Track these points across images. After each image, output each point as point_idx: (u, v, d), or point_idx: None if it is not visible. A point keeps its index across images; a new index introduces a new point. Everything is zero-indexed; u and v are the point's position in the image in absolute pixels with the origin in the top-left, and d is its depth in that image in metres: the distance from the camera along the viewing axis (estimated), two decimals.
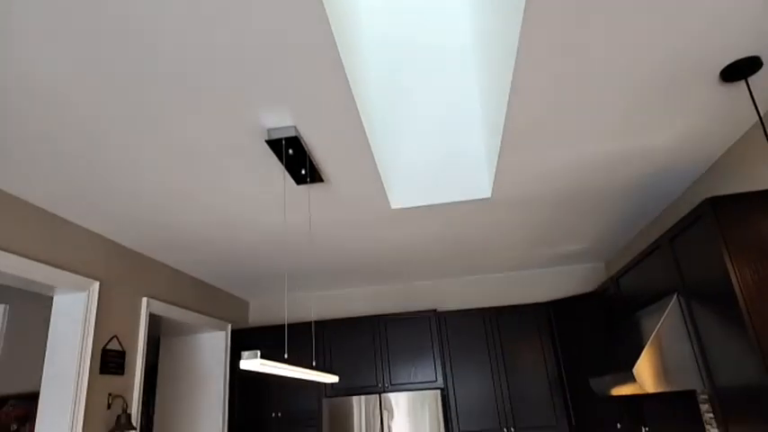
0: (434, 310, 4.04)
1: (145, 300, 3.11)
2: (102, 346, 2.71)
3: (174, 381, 4.08)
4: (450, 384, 3.92)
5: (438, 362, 3.89)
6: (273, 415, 3.92)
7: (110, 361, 2.75)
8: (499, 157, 2.24)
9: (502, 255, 3.89)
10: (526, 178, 2.48)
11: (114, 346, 2.81)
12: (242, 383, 4.05)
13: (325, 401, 3.66)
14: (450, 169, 2.67)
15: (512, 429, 3.75)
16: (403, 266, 4.01)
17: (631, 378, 2.32)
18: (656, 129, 2.08)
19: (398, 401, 3.57)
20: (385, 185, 2.47)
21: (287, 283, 4.27)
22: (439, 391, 3.59)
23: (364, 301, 4.57)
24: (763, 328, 1.74)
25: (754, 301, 1.78)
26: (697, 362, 2.21)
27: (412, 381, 3.88)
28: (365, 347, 4.01)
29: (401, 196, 2.65)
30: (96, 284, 2.70)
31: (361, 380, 3.93)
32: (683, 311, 2.30)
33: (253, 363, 1.38)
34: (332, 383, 3.94)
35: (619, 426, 3.34)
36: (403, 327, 4.03)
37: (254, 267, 3.66)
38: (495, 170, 2.41)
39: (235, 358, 4.12)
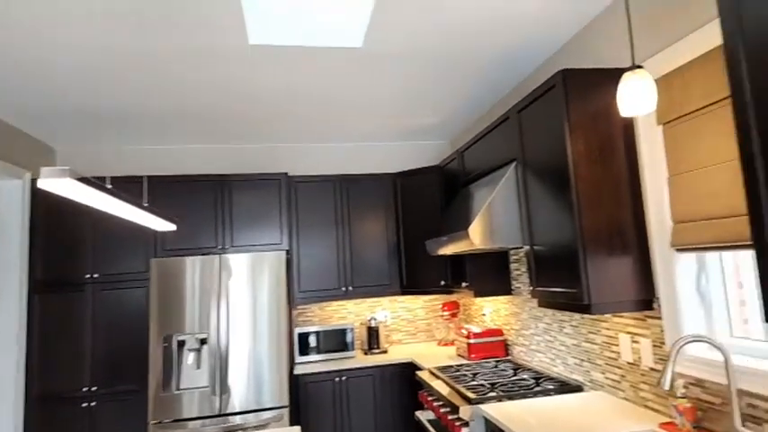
0: (286, 174, 3.89)
1: None
2: None
3: None
4: (294, 247, 3.94)
5: (285, 225, 3.84)
6: (88, 276, 3.53)
7: None
8: (376, 2, 2.04)
9: (360, 121, 3.81)
10: (398, 32, 2.34)
11: None
12: (47, 241, 3.52)
13: (154, 262, 3.39)
14: (325, 11, 2.39)
15: (350, 288, 3.98)
16: (255, 123, 3.70)
17: (465, 236, 2.53)
18: None
19: (239, 261, 3.48)
20: (246, 14, 2.11)
21: (110, 131, 3.66)
22: (284, 253, 3.58)
23: (208, 160, 4.20)
24: (584, 194, 1.98)
25: (580, 167, 1.99)
26: (522, 223, 2.48)
27: (256, 243, 3.79)
28: (206, 208, 3.74)
29: (264, 31, 2.31)
30: None
31: (200, 241, 3.71)
32: (518, 179, 2.52)
33: (59, 183, 1.03)
34: (163, 246, 3.65)
35: (443, 283, 3.76)
36: (250, 189, 3.83)
37: (61, 101, 3.01)
38: (368, 20, 2.21)
39: (37, 213, 3.52)
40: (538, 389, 2.47)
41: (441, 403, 2.75)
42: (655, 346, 1.97)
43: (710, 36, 1.62)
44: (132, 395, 3.44)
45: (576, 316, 2.57)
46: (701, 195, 1.68)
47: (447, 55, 2.66)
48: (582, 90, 2.04)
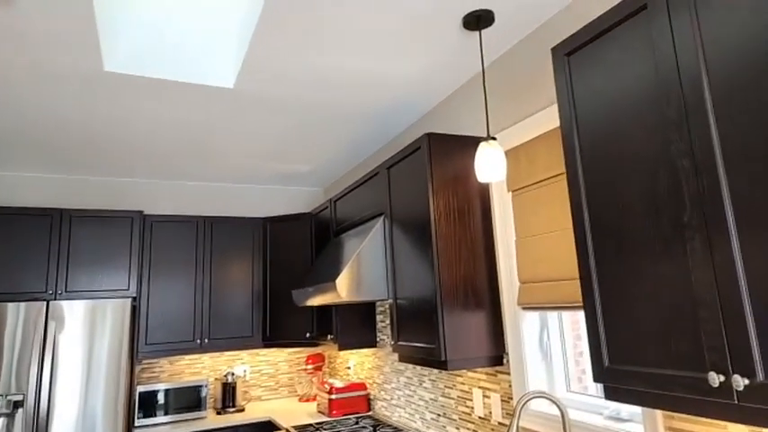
0: (140, 212, 3.53)
1: None
2: None
3: None
4: (144, 294, 3.54)
5: (134, 268, 3.44)
6: None
7: None
8: (249, 46, 2.00)
9: (230, 161, 3.65)
10: (272, 76, 2.30)
11: None
12: None
13: None
14: (195, 47, 2.27)
15: (206, 340, 3.66)
16: (109, 155, 3.33)
17: (332, 288, 2.48)
18: (403, 57, 2.18)
19: (74, 310, 3.02)
20: (102, 36, 1.92)
21: None
22: (129, 300, 3.19)
23: (46, 191, 3.66)
24: (443, 250, 2.06)
25: (441, 225, 2.09)
26: (387, 276, 2.51)
27: (96, 288, 3.33)
28: (37, 247, 3.22)
29: (125, 58, 2.11)
30: None
31: (24, 284, 3.16)
32: (384, 233, 2.56)
33: None
34: None
35: (308, 335, 3.63)
36: (96, 226, 3.39)
37: None
38: (241, 62, 2.16)
39: None
40: None
41: None
42: (503, 400, 2.06)
43: (553, 117, 1.83)
44: None
45: (435, 370, 2.62)
46: (543, 259, 1.85)
47: (321, 105, 2.68)
48: (444, 154, 2.17)
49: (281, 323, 3.79)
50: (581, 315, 1.89)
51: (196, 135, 3.04)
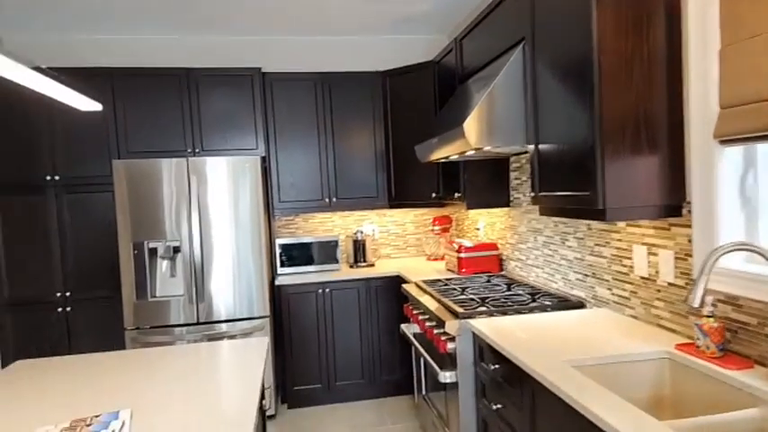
0: (259, 69, 3.44)
1: None
2: None
3: None
4: (272, 154, 3.58)
5: (260, 128, 3.45)
6: (49, 178, 3.19)
7: None
8: None
9: (341, 7, 3.30)
10: None
11: None
12: (0, 140, 3.15)
13: (118, 163, 3.04)
14: None
15: (334, 200, 3.68)
16: (223, 7, 3.19)
17: (459, 134, 2.18)
18: None
19: (212, 166, 3.14)
20: None
21: (59, 17, 3.15)
22: (259, 159, 3.23)
23: (170, 53, 3.71)
24: (608, 74, 1.60)
25: (605, 40, 1.60)
26: (527, 117, 2.12)
27: (228, 147, 3.42)
28: (171, 106, 3.33)
29: None
30: None
31: (168, 143, 3.34)
32: (525, 63, 2.11)
33: None
34: (127, 148, 3.28)
35: (434, 195, 3.45)
36: (220, 85, 3.39)
37: None
38: None
39: None
40: (534, 304, 2.24)
41: (426, 317, 2.54)
42: (678, 258, 1.69)
43: None
44: (106, 301, 3.25)
45: (582, 227, 2.28)
46: (763, 70, 1.31)
47: None
48: None
49: (406, 184, 3.65)
50: None
51: None
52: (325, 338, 3.42)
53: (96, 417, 1.28)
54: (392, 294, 3.48)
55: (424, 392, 2.81)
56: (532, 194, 2.07)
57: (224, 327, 3.15)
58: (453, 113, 2.54)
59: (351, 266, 3.72)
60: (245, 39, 3.79)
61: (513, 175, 2.94)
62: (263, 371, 1.70)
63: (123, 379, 1.64)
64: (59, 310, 3.21)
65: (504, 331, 1.90)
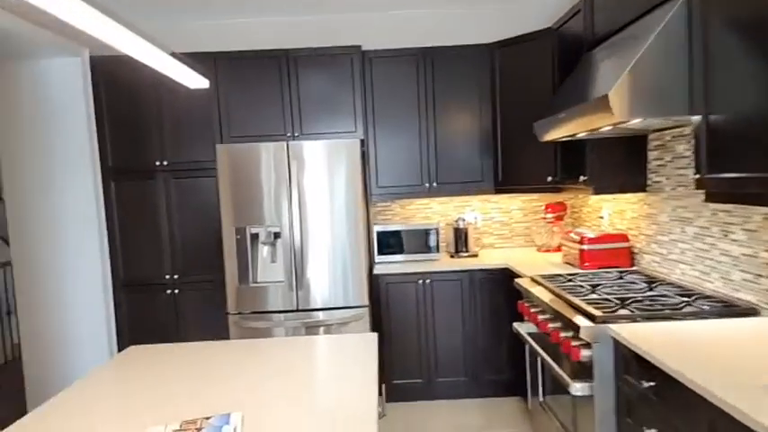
0: (359, 47, 3.27)
1: None
2: None
3: (16, 125, 3.20)
4: (371, 137, 3.41)
5: (359, 110, 3.29)
6: (158, 164, 3.27)
7: None
8: None
9: None
10: None
11: None
12: (113, 126, 3.26)
13: (221, 148, 3.03)
14: None
15: (434, 184, 3.45)
16: None
17: (601, 105, 1.84)
18: None
19: (311, 150, 3.03)
20: None
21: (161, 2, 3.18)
22: (358, 141, 3.07)
23: (269, 35, 3.65)
24: None
25: None
26: (692, 82, 1.73)
27: (326, 130, 3.30)
28: (271, 88, 3.27)
29: None
30: None
31: (267, 126, 3.29)
32: (690, 18, 1.72)
33: None
34: (230, 132, 3.27)
35: (550, 178, 3.10)
36: (319, 66, 3.27)
37: None
38: None
39: (98, 95, 3.23)
40: (689, 309, 1.86)
41: (548, 317, 2.24)
42: None
43: None
44: (210, 285, 3.29)
45: (757, 217, 1.86)
46: None
47: None
48: None
49: (516, 166, 3.32)
50: None
51: None
52: (425, 332, 3.23)
53: (207, 419, 1.17)
54: (499, 287, 3.20)
55: (541, 398, 2.52)
56: (696, 176, 1.69)
57: (321, 315, 3.06)
58: (584, 84, 2.19)
59: (452, 256, 3.48)
60: (343, 17, 3.64)
61: (652, 155, 2.53)
62: (377, 369, 1.52)
63: (232, 371, 1.54)
64: (168, 292, 3.29)
65: (657, 341, 1.57)
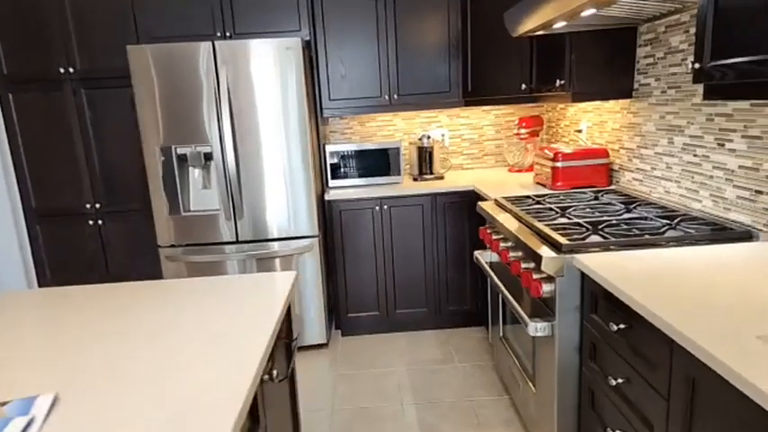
0: None
1: None
2: None
3: None
4: (320, 38, 2.91)
5: (303, 4, 2.77)
6: (63, 71, 2.76)
7: None
8: None
9: None
10: None
11: None
12: (3, 26, 2.71)
13: (135, 50, 2.53)
14: None
15: (394, 96, 3.01)
16: None
17: None
18: None
19: (245, 52, 2.54)
20: None
21: None
22: (301, 41, 2.58)
23: None
24: None
25: None
26: None
27: (263, 29, 2.79)
28: None
29: None
30: None
31: (191, 24, 2.76)
32: None
33: None
34: (147, 32, 2.74)
35: (524, 86, 2.68)
36: None
37: None
38: None
39: None
40: (672, 233, 1.55)
41: (510, 245, 1.93)
42: None
43: None
44: (138, 214, 2.91)
45: (762, 120, 1.50)
46: None
47: None
48: None
49: (487, 74, 2.88)
50: None
51: None
52: (383, 262, 2.93)
53: (2, 405, 0.83)
54: (464, 213, 2.87)
55: (501, 334, 2.28)
56: (695, 66, 1.31)
57: (274, 246, 2.73)
58: None
59: (414, 179, 3.12)
60: None
61: (642, 51, 2.11)
62: (283, 308, 1.21)
63: (86, 331, 1.20)
64: (90, 222, 2.92)
65: (634, 274, 1.27)
